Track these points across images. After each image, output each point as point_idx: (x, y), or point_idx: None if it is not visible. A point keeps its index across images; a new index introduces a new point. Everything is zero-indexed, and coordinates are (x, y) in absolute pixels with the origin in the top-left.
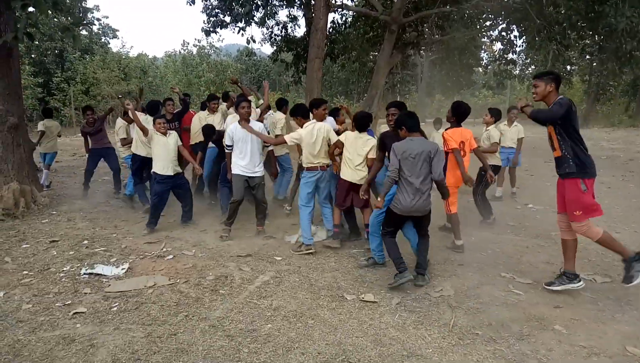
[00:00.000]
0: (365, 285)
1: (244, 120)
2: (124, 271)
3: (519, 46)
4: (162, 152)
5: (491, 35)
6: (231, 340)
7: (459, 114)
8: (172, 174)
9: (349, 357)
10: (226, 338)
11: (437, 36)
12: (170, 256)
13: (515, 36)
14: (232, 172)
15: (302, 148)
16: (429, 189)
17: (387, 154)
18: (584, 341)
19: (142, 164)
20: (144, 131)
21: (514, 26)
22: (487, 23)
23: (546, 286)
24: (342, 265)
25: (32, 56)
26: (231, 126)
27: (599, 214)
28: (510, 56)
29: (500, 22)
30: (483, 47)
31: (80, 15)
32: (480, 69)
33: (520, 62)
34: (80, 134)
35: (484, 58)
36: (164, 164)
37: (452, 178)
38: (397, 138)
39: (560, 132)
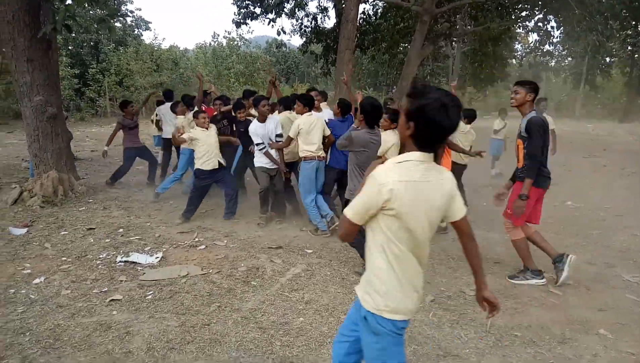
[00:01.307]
0: None
1: (262, 117)
2: (157, 260)
3: (556, 37)
4: (205, 147)
5: (527, 26)
6: (263, 333)
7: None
8: (217, 167)
9: None
10: (258, 330)
11: (470, 27)
12: (203, 246)
13: (552, 27)
14: (256, 165)
15: (299, 138)
16: None
17: None
18: (632, 347)
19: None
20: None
21: (551, 16)
22: (523, 13)
23: (509, 279)
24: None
25: (69, 47)
26: (252, 126)
27: (518, 223)
28: (546, 47)
29: (537, 12)
30: (518, 38)
31: (115, 7)
32: (514, 61)
33: (557, 53)
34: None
35: (518, 49)
36: (206, 160)
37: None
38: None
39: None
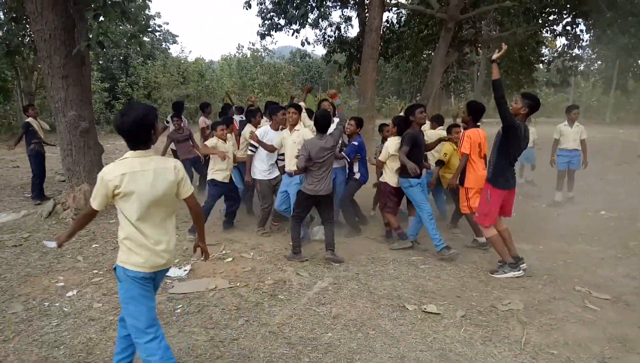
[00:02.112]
0: (426, 295)
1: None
2: (186, 272)
3: (585, 41)
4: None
5: (555, 30)
6: (292, 348)
7: (475, 113)
8: (228, 181)
9: None
10: (287, 345)
11: (495, 33)
12: (230, 259)
13: (581, 30)
14: (257, 178)
15: (286, 152)
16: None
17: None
18: None
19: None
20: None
21: (580, 20)
22: (551, 17)
23: (490, 273)
24: (401, 273)
25: (100, 62)
26: (260, 130)
27: (486, 223)
28: (575, 51)
29: (566, 16)
30: (545, 42)
31: (144, 22)
32: (541, 65)
33: (586, 57)
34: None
35: (545, 54)
36: (219, 169)
37: (473, 180)
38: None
39: (497, 144)
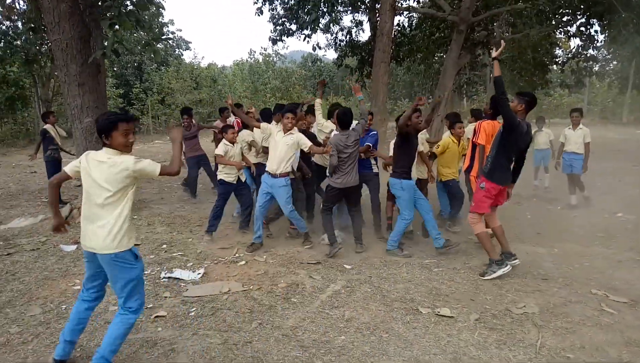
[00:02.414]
0: (440, 298)
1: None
2: (199, 276)
3: (600, 42)
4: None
5: (568, 31)
6: (305, 351)
7: (495, 107)
8: (236, 182)
9: None
10: (300, 348)
11: (508, 34)
12: (243, 262)
13: (596, 31)
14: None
15: (273, 152)
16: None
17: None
18: None
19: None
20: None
21: (594, 20)
22: (565, 18)
23: (480, 276)
24: (414, 276)
25: (114, 69)
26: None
27: (481, 211)
28: (590, 52)
29: (580, 17)
30: (559, 43)
31: (158, 30)
32: (555, 67)
33: (601, 57)
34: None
35: (559, 55)
36: (228, 171)
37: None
38: None
39: (498, 140)
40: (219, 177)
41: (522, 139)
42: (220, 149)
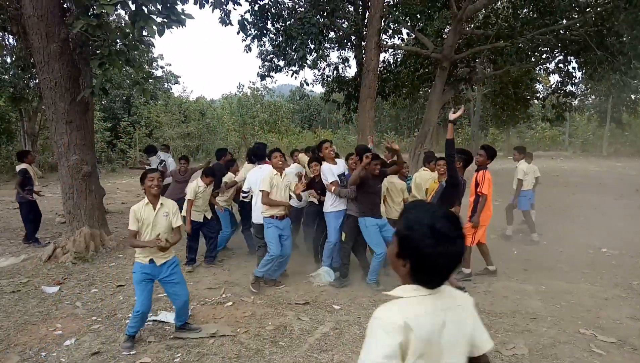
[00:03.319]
0: None
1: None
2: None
3: (578, 78)
4: (200, 201)
5: (548, 67)
6: None
7: (493, 156)
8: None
9: None
10: None
11: (489, 70)
12: (230, 303)
13: (574, 68)
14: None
15: (275, 196)
16: None
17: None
18: None
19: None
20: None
21: (572, 57)
22: (544, 56)
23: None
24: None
25: (103, 102)
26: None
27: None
28: (568, 87)
29: (557, 54)
30: (539, 78)
31: (149, 70)
32: (536, 101)
33: (580, 92)
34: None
35: (540, 90)
36: (197, 211)
37: (484, 217)
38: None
39: (439, 193)
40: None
41: (460, 194)
42: (190, 193)
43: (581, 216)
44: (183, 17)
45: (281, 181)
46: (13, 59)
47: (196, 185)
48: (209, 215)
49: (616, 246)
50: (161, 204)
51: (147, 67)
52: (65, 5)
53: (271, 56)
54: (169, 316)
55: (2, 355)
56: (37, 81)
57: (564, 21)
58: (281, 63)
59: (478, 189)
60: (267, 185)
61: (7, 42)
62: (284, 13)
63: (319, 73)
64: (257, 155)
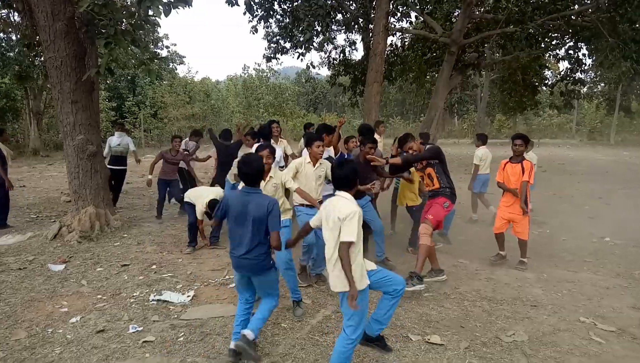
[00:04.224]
0: (430, 325)
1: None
2: (189, 298)
3: (588, 65)
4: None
5: (557, 54)
6: None
7: (528, 142)
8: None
9: None
10: None
11: (498, 55)
12: (233, 284)
13: (584, 54)
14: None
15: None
16: None
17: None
18: None
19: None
20: None
21: (582, 44)
22: (554, 42)
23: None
24: (404, 301)
25: (108, 81)
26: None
27: (439, 228)
28: (577, 75)
29: (568, 40)
30: (548, 65)
31: (155, 50)
32: (544, 88)
33: (589, 79)
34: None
35: (548, 77)
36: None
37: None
38: None
39: (439, 171)
40: (186, 200)
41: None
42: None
43: (586, 205)
44: None
45: (313, 170)
46: (18, 36)
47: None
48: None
49: (620, 236)
50: (270, 177)
51: (152, 47)
52: None
53: (277, 37)
54: (172, 296)
55: (10, 330)
56: (42, 58)
57: (576, 6)
58: (287, 45)
59: (524, 177)
60: (290, 173)
61: (13, 20)
62: None
63: (326, 56)
64: (263, 134)
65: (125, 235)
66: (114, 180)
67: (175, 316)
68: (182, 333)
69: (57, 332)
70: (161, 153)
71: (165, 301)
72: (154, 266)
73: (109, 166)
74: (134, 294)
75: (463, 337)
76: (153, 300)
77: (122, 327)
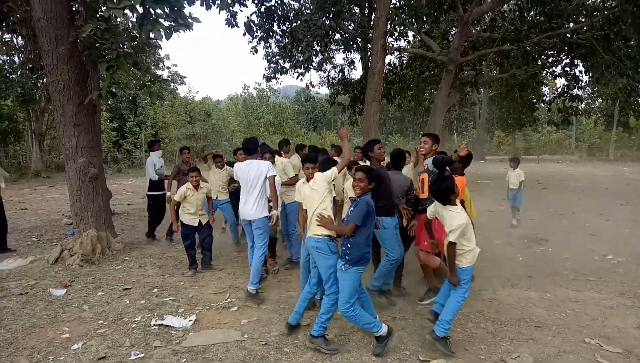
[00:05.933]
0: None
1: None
2: (191, 323)
3: (584, 82)
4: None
5: (554, 71)
6: None
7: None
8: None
9: None
10: None
11: (495, 73)
12: (235, 308)
13: (580, 71)
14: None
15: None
16: None
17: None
18: None
19: None
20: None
21: (578, 61)
22: (550, 59)
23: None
24: (408, 324)
25: (109, 103)
26: None
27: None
28: (575, 91)
29: (564, 58)
30: (545, 82)
31: (156, 72)
32: (542, 104)
33: (586, 95)
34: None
35: (546, 94)
36: (190, 215)
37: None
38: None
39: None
40: (180, 218)
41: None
42: (179, 192)
43: (587, 222)
44: (190, 20)
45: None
46: (21, 59)
47: (183, 191)
48: (204, 220)
49: (622, 253)
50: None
51: (153, 67)
52: (73, 8)
53: (277, 57)
54: (174, 321)
55: (11, 358)
56: (44, 80)
57: (571, 25)
58: (287, 65)
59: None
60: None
61: (16, 43)
62: (290, 15)
63: (325, 75)
64: (248, 149)
65: (127, 258)
66: (157, 209)
67: (177, 341)
68: (185, 360)
69: (58, 359)
70: (177, 166)
71: (167, 326)
72: (155, 290)
73: (150, 193)
74: (136, 319)
75: (468, 360)
76: (155, 324)
77: (123, 352)
